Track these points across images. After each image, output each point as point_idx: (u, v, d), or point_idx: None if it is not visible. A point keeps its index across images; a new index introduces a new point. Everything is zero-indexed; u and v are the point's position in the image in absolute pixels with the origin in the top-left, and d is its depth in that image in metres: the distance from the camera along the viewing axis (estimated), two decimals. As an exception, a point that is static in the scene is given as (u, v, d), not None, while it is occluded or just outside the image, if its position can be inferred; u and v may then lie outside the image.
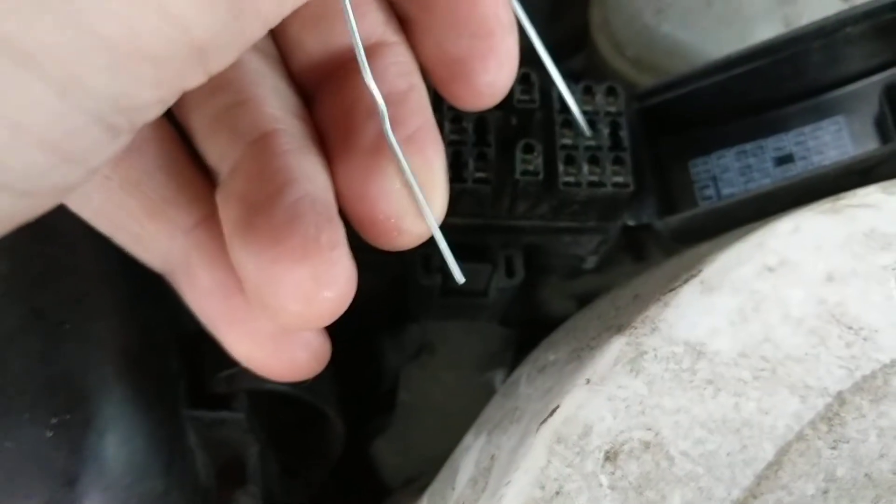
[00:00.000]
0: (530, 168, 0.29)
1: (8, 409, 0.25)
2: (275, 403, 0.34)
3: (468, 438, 0.29)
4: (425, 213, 0.19)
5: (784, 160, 0.35)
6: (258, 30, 0.14)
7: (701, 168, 0.36)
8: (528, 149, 0.30)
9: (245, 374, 0.31)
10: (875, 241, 0.25)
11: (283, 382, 0.31)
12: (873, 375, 0.23)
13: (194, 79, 0.14)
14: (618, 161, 0.30)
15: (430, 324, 0.38)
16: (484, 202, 0.30)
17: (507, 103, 0.31)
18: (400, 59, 0.20)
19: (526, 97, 0.31)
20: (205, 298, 0.20)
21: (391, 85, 0.20)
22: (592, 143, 0.30)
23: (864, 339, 0.24)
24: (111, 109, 0.13)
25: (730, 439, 0.23)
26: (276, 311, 0.18)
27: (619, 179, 0.30)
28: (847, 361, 0.23)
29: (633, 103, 0.33)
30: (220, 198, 0.19)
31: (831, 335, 0.24)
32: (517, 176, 0.29)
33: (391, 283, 0.36)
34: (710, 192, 0.36)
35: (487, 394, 0.34)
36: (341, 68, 0.21)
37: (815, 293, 0.24)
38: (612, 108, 0.31)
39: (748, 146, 0.36)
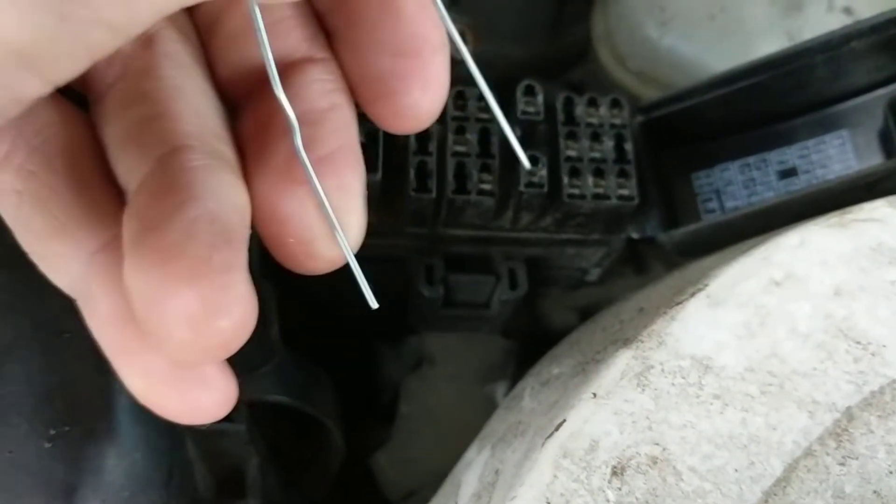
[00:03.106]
0: (534, 180, 0.29)
1: (6, 420, 0.24)
2: (275, 415, 0.34)
3: (471, 453, 0.29)
4: (338, 236, 0.18)
5: (788, 173, 0.35)
6: (108, 38, 0.13)
7: (704, 181, 0.36)
8: (533, 161, 0.29)
9: (245, 385, 0.31)
10: (882, 256, 0.25)
11: (284, 394, 0.31)
12: (881, 391, 0.23)
13: (32, 87, 0.13)
14: (623, 174, 0.30)
15: (432, 335, 0.38)
16: (487, 214, 0.30)
17: (511, 115, 0.31)
18: (324, 77, 0.19)
19: (530, 109, 0.30)
20: (102, 327, 0.18)
21: (311, 102, 0.19)
22: (597, 155, 0.30)
23: (872, 355, 0.23)
24: None
25: (737, 455, 0.22)
26: (162, 340, 0.16)
27: (624, 192, 0.30)
28: (855, 376, 0.23)
29: (636, 116, 0.33)
30: (125, 216, 0.18)
31: (839, 350, 0.23)
32: (521, 188, 0.29)
33: (392, 294, 0.36)
34: (713, 205, 0.36)
35: (489, 406, 0.34)
36: (264, 83, 0.19)
37: (822, 307, 0.24)
38: (617, 121, 0.31)
39: (751, 159, 0.36)
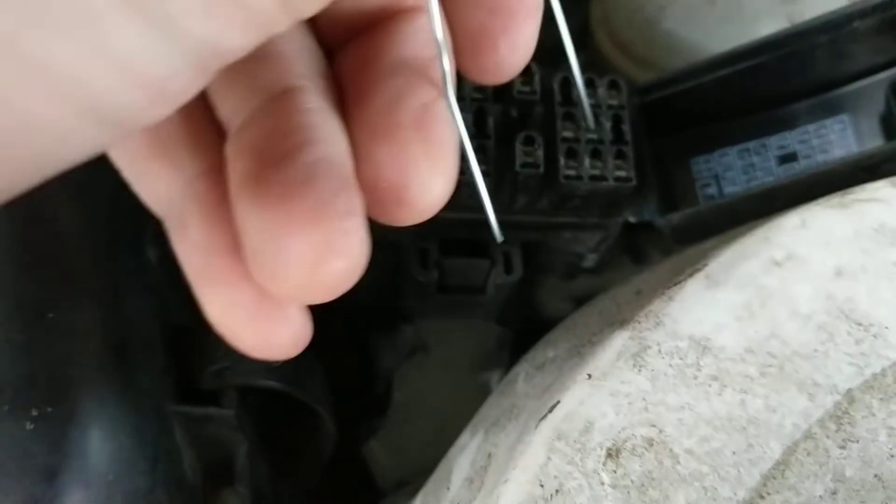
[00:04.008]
0: (531, 160, 0.29)
1: (-13, 401, 0.24)
2: (265, 402, 0.33)
3: (464, 437, 0.28)
4: (473, 165, 0.19)
5: (787, 158, 0.35)
6: None
7: (703, 166, 0.36)
8: (529, 141, 0.29)
9: (236, 369, 0.30)
10: (885, 237, 0.24)
11: (275, 379, 0.31)
12: (883, 373, 0.22)
13: (280, 25, 0.14)
14: (620, 155, 0.30)
15: (425, 323, 0.37)
16: (482, 196, 0.30)
17: (506, 95, 0.30)
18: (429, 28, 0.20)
19: (526, 89, 0.30)
20: (191, 252, 0.19)
21: (416, 50, 0.19)
22: (594, 136, 0.30)
23: (874, 336, 0.23)
24: (203, 52, 0.13)
25: (735, 437, 0.22)
26: (276, 277, 0.16)
27: (622, 174, 0.29)
28: (857, 358, 0.23)
29: (634, 99, 0.33)
30: (231, 149, 0.18)
31: (840, 331, 0.23)
32: (517, 168, 0.28)
33: (385, 280, 0.35)
34: (711, 190, 0.35)
35: (483, 394, 0.34)
36: (370, 28, 0.20)
37: (823, 288, 0.24)
38: (615, 102, 0.31)
39: (751, 144, 0.35)
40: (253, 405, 0.31)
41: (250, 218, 0.17)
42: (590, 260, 0.35)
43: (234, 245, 0.18)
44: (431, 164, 0.18)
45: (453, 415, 0.31)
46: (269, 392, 0.32)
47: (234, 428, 0.30)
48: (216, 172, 0.19)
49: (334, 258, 0.16)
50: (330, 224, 0.16)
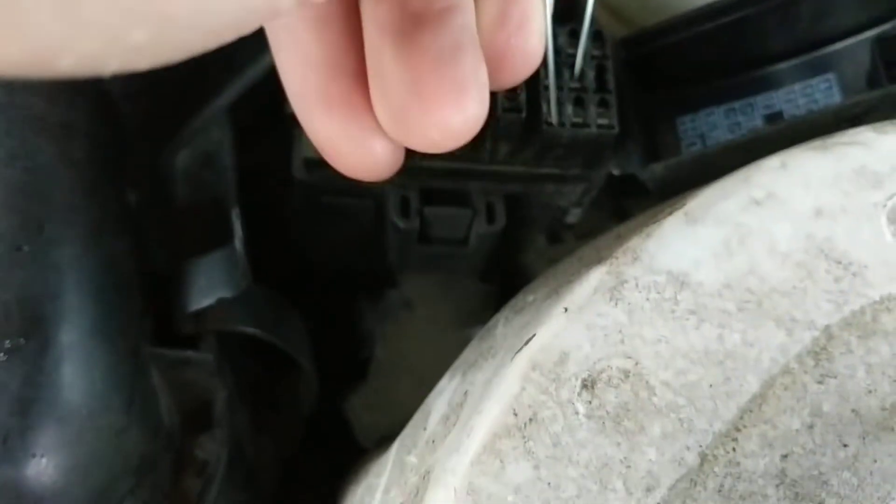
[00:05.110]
0: (512, 105, 0.28)
1: (-41, 333, 0.24)
2: (246, 353, 0.33)
3: (442, 382, 0.28)
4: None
5: (774, 118, 0.34)
6: None
7: (689, 125, 0.35)
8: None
9: (214, 314, 0.30)
10: (865, 179, 0.24)
11: (255, 327, 0.30)
12: (862, 311, 0.22)
13: None
14: (603, 103, 0.29)
15: (409, 279, 0.37)
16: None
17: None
18: None
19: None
20: (305, 68, 0.19)
21: None
22: (577, 84, 0.29)
23: (853, 275, 0.23)
24: None
25: (712, 371, 0.22)
26: (409, 130, 0.18)
27: (604, 122, 0.29)
28: (835, 296, 0.22)
29: (619, 52, 0.33)
30: None
31: (819, 269, 0.23)
32: (498, 113, 0.28)
33: (369, 237, 0.35)
34: (697, 149, 0.35)
35: (466, 351, 0.33)
36: None
37: (802, 228, 0.23)
38: (598, 52, 0.30)
39: (737, 104, 0.35)
40: (234, 355, 0.31)
41: (397, 69, 0.18)
42: (573, 215, 0.35)
43: (358, 71, 0.19)
44: (531, 53, 0.19)
45: (436, 371, 0.31)
46: (250, 343, 0.31)
47: (212, 374, 0.29)
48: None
49: (465, 124, 0.18)
50: (471, 93, 0.17)
